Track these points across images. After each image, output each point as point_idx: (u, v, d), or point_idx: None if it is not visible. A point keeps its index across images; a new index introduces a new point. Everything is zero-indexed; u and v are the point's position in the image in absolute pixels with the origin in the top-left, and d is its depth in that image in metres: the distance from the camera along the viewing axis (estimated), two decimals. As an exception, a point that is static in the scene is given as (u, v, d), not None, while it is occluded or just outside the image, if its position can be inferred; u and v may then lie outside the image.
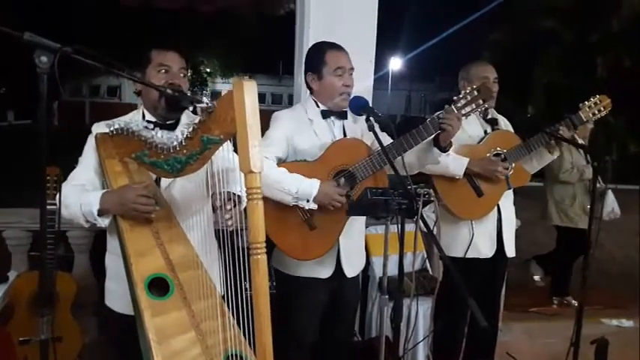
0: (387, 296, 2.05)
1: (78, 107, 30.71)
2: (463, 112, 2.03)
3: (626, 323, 4.03)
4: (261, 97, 36.32)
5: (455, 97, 2.05)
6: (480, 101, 2.01)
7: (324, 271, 2.14)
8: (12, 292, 2.62)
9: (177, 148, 1.48)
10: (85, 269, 3.07)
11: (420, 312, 2.89)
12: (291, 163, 2.09)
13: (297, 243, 2.05)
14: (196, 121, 1.43)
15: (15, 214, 2.98)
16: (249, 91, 1.28)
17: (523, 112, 13.37)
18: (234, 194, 1.60)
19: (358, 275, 2.32)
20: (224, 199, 1.57)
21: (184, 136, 1.46)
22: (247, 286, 1.39)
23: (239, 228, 1.56)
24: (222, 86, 34.97)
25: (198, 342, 1.51)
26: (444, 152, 2.09)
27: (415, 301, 2.62)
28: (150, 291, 1.53)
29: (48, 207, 2.53)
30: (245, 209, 1.57)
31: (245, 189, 1.29)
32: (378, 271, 3.18)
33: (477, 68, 2.63)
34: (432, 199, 1.83)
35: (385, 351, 2.14)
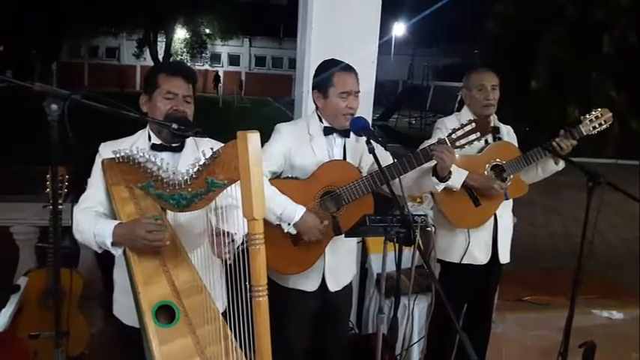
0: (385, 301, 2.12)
1: (77, 69, 30.46)
2: (457, 144, 2.04)
3: (616, 315, 4.13)
4: (262, 61, 36.38)
5: (451, 130, 2.07)
6: (477, 134, 2.02)
7: (310, 285, 2.21)
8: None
9: (183, 186, 1.52)
10: (91, 263, 3.15)
11: (416, 311, 2.99)
12: (282, 180, 2.15)
13: (278, 257, 2.09)
14: (201, 162, 1.47)
15: (22, 210, 3.04)
16: (253, 142, 1.32)
17: (525, 87, 13.25)
18: (229, 233, 1.66)
19: (350, 283, 2.38)
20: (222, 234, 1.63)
21: (190, 175, 1.50)
22: (248, 285, 1.47)
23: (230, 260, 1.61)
24: (222, 49, 34.55)
25: (203, 367, 1.59)
26: (443, 182, 2.12)
27: (412, 300, 2.73)
28: (157, 318, 1.60)
29: (51, 206, 2.64)
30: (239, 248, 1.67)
31: (247, 234, 1.36)
32: (375, 267, 3.26)
33: (475, 76, 2.63)
34: (429, 228, 1.88)
35: (382, 349, 2.23)
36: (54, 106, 1.31)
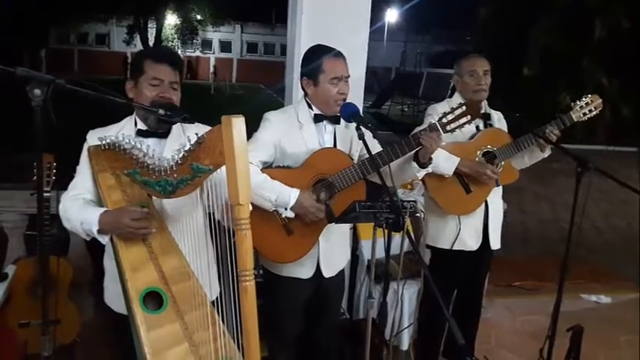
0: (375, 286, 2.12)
1: (66, 56, 30.10)
2: (448, 128, 2.02)
3: (604, 299, 4.18)
4: (254, 47, 36.17)
5: (442, 114, 2.05)
6: (467, 117, 2.00)
7: (305, 272, 2.21)
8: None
9: (169, 172, 1.51)
10: (81, 250, 3.13)
11: (406, 296, 3.00)
12: (274, 169, 2.13)
13: (273, 246, 2.09)
14: (186, 148, 1.46)
15: (9, 198, 3.01)
16: (237, 127, 1.31)
17: (518, 74, 13.24)
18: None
19: (342, 270, 2.39)
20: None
21: (175, 161, 1.49)
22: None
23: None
24: (213, 35, 34.23)
25: (191, 353, 1.58)
26: (423, 168, 2.11)
27: (402, 285, 2.74)
28: (145, 304, 1.60)
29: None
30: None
31: (234, 220, 1.35)
32: (366, 253, 3.27)
33: (467, 62, 2.61)
34: (418, 214, 1.88)
35: (372, 334, 2.24)
36: (37, 91, 1.30)
